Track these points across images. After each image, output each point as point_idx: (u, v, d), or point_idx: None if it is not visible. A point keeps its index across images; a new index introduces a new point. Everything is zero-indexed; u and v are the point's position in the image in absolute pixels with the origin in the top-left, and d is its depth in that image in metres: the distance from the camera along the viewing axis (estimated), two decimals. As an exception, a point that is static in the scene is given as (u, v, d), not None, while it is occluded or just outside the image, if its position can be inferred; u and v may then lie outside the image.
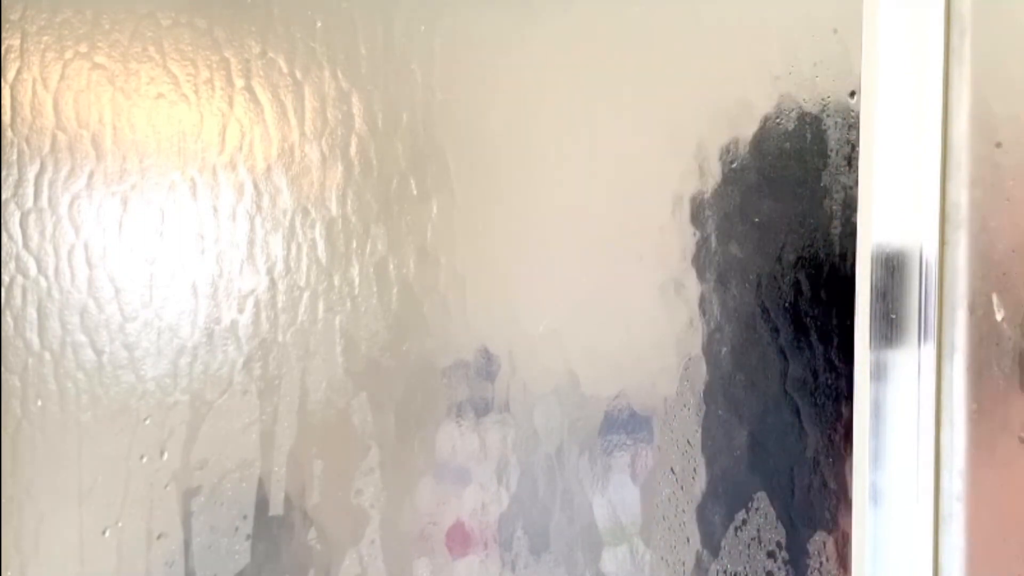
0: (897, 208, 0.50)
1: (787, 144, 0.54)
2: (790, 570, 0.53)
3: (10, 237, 0.68)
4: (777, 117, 0.54)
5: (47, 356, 0.68)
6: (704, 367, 0.57)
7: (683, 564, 0.57)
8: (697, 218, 0.58)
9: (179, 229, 0.68)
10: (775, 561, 0.54)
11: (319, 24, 0.67)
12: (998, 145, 0.47)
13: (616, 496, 0.60)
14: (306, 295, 0.67)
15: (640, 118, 0.61)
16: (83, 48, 0.69)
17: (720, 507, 0.56)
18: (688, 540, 0.57)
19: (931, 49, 0.49)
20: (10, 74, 0.69)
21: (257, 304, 0.67)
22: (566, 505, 0.62)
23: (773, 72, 0.55)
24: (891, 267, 0.50)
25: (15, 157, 0.68)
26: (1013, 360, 0.46)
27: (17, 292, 0.68)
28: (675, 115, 0.59)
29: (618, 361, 0.61)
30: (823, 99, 0.53)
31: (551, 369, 0.62)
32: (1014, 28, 0.47)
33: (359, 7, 0.67)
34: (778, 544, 0.54)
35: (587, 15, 0.62)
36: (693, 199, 0.58)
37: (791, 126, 0.54)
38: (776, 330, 0.54)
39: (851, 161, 0.52)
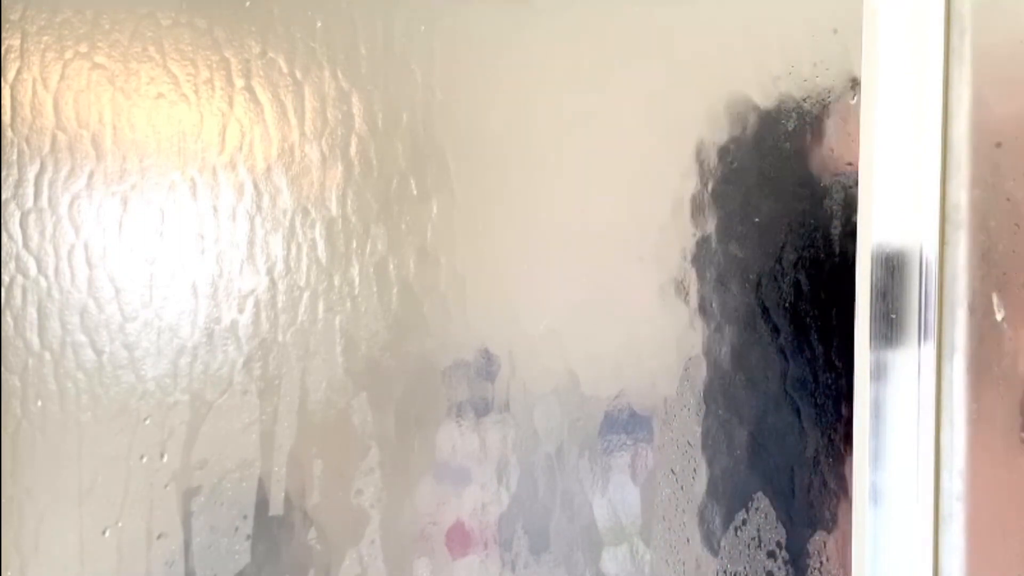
0: (897, 208, 0.50)
1: (787, 144, 0.54)
2: (790, 570, 0.53)
3: (10, 237, 0.68)
4: (777, 117, 0.54)
5: (47, 356, 0.68)
6: (704, 367, 0.57)
7: (683, 564, 0.57)
8: (697, 218, 0.58)
9: (179, 229, 0.68)
10: (775, 561, 0.54)
11: (319, 24, 0.67)
12: (998, 145, 0.47)
13: (616, 496, 0.60)
14: (306, 295, 0.67)
15: (640, 118, 0.61)
16: (83, 48, 0.69)
17: (720, 507, 0.56)
18: (688, 540, 0.57)
19: (931, 49, 0.49)
20: (10, 74, 0.69)
21: (257, 304, 0.67)
22: (566, 505, 0.62)
23: (773, 72, 0.55)
24: (891, 267, 0.50)
25: (15, 157, 0.68)
26: (1013, 360, 0.46)
27: (17, 292, 0.68)
28: (675, 115, 0.59)
29: (618, 361, 0.61)
30: (823, 99, 0.53)
31: (551, 369, 0.62)
32: (1014, 28, 0.47)
33: (359, 7, 0.67)
34: (778, 544, 0.54)
35: (587, 15, 0.62)
36: (693, 199, 0.58)
37: (791, 126, 0.54)
38: (776, 330, 0.54)
39: (851, 161, 0.52)
